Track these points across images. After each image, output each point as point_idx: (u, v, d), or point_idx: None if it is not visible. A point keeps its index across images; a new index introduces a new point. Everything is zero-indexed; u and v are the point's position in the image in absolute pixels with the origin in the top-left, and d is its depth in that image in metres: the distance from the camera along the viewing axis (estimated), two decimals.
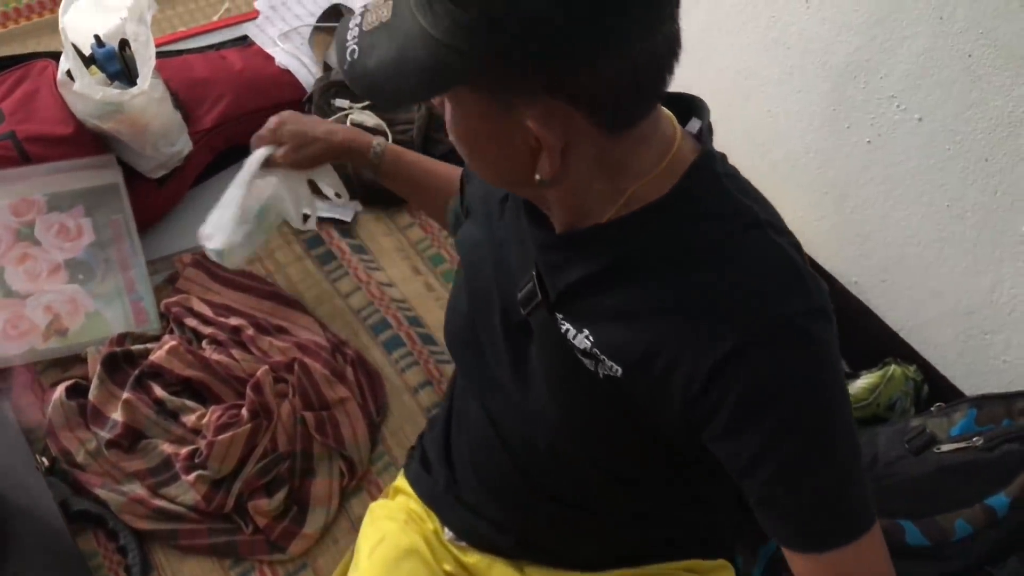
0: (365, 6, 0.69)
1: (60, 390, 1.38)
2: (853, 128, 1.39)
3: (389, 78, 0.65)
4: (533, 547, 1.02)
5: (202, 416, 1.35)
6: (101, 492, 1.31)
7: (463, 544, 1.07)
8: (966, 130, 1.23)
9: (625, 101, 0.66)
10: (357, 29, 0.67)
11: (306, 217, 1.28)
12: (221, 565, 1.32)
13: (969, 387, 1.41)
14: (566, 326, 0.79)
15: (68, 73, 1.44)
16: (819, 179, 1.50)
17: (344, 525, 1.37)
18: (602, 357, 0.77)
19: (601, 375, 0.77)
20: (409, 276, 1.67)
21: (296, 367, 1.41)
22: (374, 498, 1.36)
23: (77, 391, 1.40)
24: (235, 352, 1.43)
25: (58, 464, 1.33)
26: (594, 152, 0.69)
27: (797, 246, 0.75)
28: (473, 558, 1.05)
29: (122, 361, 1.42)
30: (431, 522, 1.10)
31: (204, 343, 1.45)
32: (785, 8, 1.40)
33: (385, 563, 1.08)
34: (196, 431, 1.35)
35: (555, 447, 0.88)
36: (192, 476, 1.30)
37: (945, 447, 1.25)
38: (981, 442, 1.21)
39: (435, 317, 1.61)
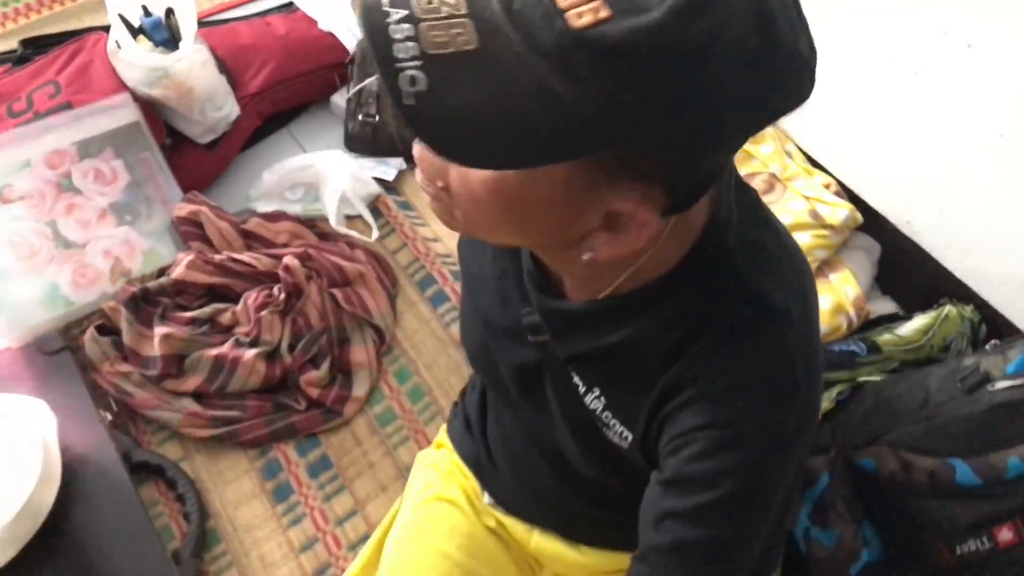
0: (404, 9, 0.50)
1: (90, 330, 1.45)
2: (899, 62, 1.34)
3: (483, 133, 0.51)
4: (566, 530, 1.02)
5: (235, 315, 1.45)
6: (158, 413, 1.40)
7: (500, 509, 1.08)
8: (1016, 54, 1.17)
9: (702, 190, 0.61)
10: (414, 46, 0.49)
11: None
12: (274, 512, 1.37)
13: None
14: (577, 379, 0.77)
15: (117, 43, 1.49)
16: (868, 116, 1.46)
17: (392, 472, 1.41)
18: (612, 422, 0.76)
19: (612, 440, 0.77)
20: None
21: (312, 252, 1.51)
22: (421, 447, 1.38)
23: (103, 331, 1.47)
24: (249, 255, 1.52)
25: (118, 412, 1.40)
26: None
27: (809, 333, 0.71)
28: (512, 521, 1.06)
29: (141, 301, 1.48)
30: (472, 480, 1.11)
31: (216, 255, 1.53)
32: None
33: (428, 511, 1.10)
34: (230, 329, 1.45)
35: (581, 465, 0.87)
36: (251, 355, 1.40)
37: (1000, 384, 1.20)
38: None
39: None
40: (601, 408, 0.76)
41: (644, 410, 0.72)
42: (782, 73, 0.53)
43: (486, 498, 1.10)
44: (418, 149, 0.62)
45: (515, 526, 1.06)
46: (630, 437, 0.75)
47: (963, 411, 1.21)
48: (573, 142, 0.51)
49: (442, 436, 1.19)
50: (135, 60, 1.44)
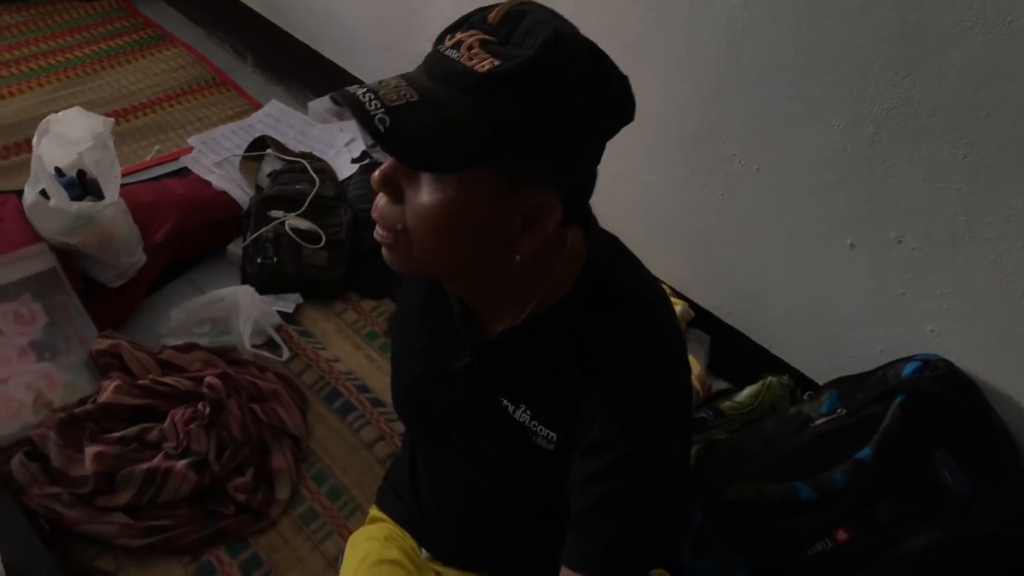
0: (368, 90, 0.74)
1: (19, 456, 1.52)
2: (708, 186, 1.74)
3: (434, 145, 0.73)
4: (498, 569, 1.17)
5: (162, 432, 1.56)
6: (90, 527, 1.46)
7: (439, 563, 1.22)
8: (792, 172, 1.58)
9: (584, 199, 0.85)
10: (378, 104, 0.72)
11: None
12: None
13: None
14: (505, 402, 0.96)
15: (45, 195, 1.64)
16: (688, 232, 1.83)
17: (321, 563, 1.52)
18: (539, 427, 0.94)
19: (541, 445, 0.94)
20: (351, 352, 1.89)
21: (230, 372, 1.68)
22: (345, 539, 1.51)
23: (31, 456, 1.53)
24: (171, 378, 1.66)
25: (49, 531, 1.45)
26: (550, 241, 0.83)
27: (671, 319, 0.93)
28: (450, 571, 1.20)
29: (69, 426, 1.57)
30: (409, 540, 1.25)
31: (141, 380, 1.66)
32: (639, 92, 1.75)
33: (372, 573, 1.20)
34: (158, 445, 1.55)
35: (508, 496, 1.04)
36: (182, 465, 1.51)
37: (818, 422, 1.53)
38: (845, 412, 1.50)
39: (379, 383, 1.82)
40: (529, 419, 0.94)
41: (562, 407, 0.91)
42: (616, 94, 0.80)
43: (424, 553, 1.24)
44: (379, 205, 0.81)
45: (453, 574, 1.20)
46: (555, 437, 0.93)
47: (796, 445, 1.52)
48: (493, 145, 0.74)
49: (375, 512, 1.33)
50: (66, 207, 1.60)
